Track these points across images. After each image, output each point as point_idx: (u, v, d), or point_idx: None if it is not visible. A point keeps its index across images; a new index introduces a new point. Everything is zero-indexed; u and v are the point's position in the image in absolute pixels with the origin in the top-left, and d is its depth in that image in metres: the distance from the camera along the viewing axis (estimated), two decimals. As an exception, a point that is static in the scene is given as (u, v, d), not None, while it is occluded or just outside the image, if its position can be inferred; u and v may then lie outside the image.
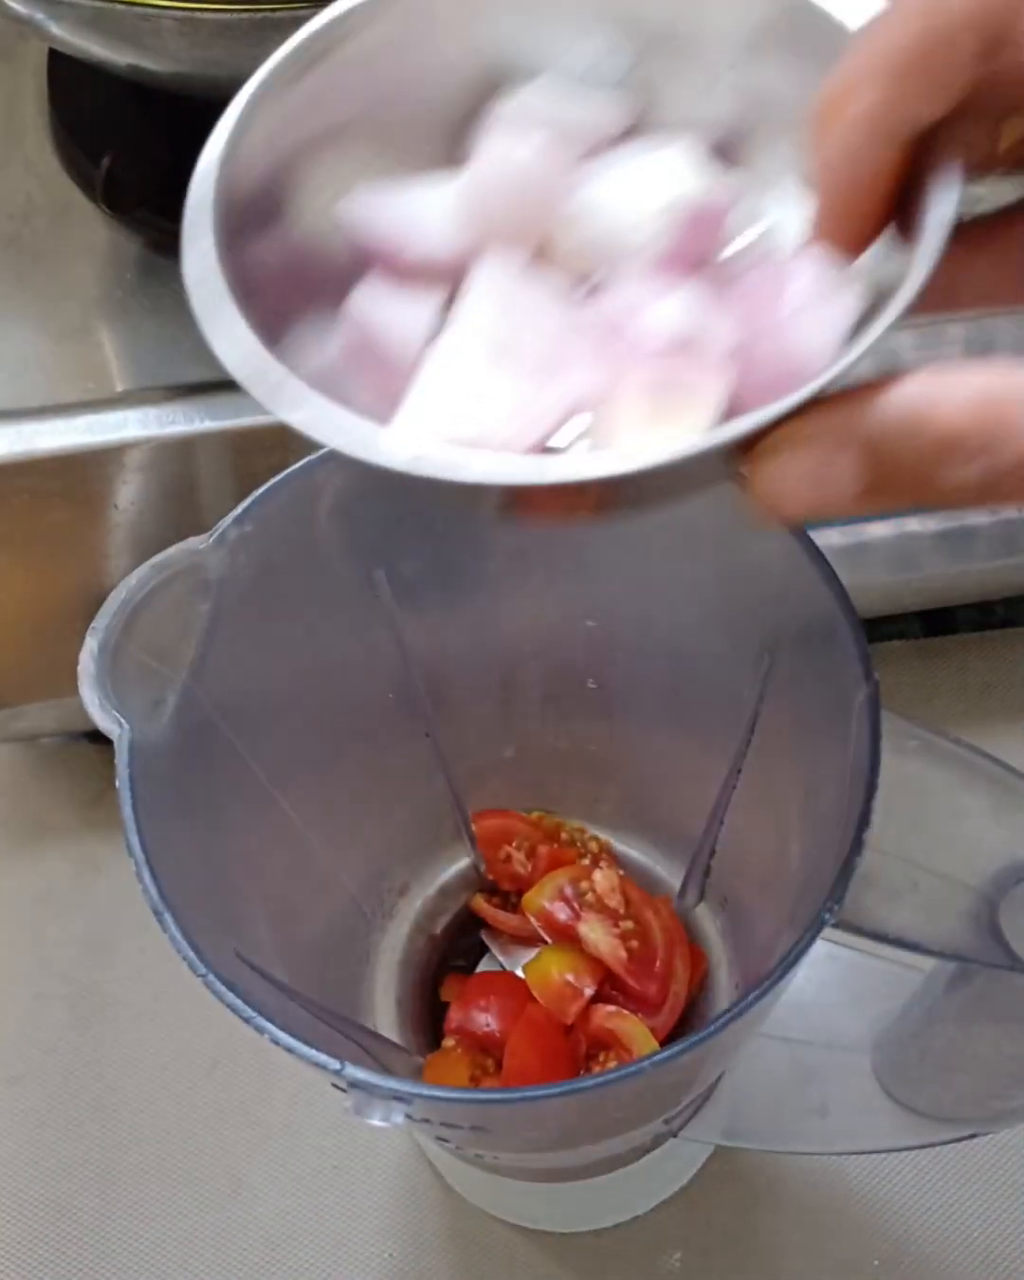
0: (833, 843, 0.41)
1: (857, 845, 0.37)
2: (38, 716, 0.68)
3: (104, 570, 0.63)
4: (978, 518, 0.65)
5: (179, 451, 0.61)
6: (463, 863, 0.61)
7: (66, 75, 0.70)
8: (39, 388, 0.62)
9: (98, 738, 0.75)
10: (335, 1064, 0.36)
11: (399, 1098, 0.36)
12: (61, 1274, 0.64)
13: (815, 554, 0.41)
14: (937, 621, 0.78)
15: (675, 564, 0.48)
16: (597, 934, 0.57)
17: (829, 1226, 0.63)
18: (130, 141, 0.67)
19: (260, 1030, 0.37)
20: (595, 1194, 0.61)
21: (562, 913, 0.58)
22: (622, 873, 0.59)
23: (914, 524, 0.65)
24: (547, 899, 0.58)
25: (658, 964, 0.57)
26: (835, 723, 0.41)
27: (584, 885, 0.58)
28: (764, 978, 0.37)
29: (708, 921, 0.60)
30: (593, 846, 0.61)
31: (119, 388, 0.62)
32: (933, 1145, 0.53)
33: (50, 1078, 0.69)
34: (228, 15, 0.52)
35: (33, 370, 0.63)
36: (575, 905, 0.58)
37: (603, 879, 0.59)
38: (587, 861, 0.60)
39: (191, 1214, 0.65)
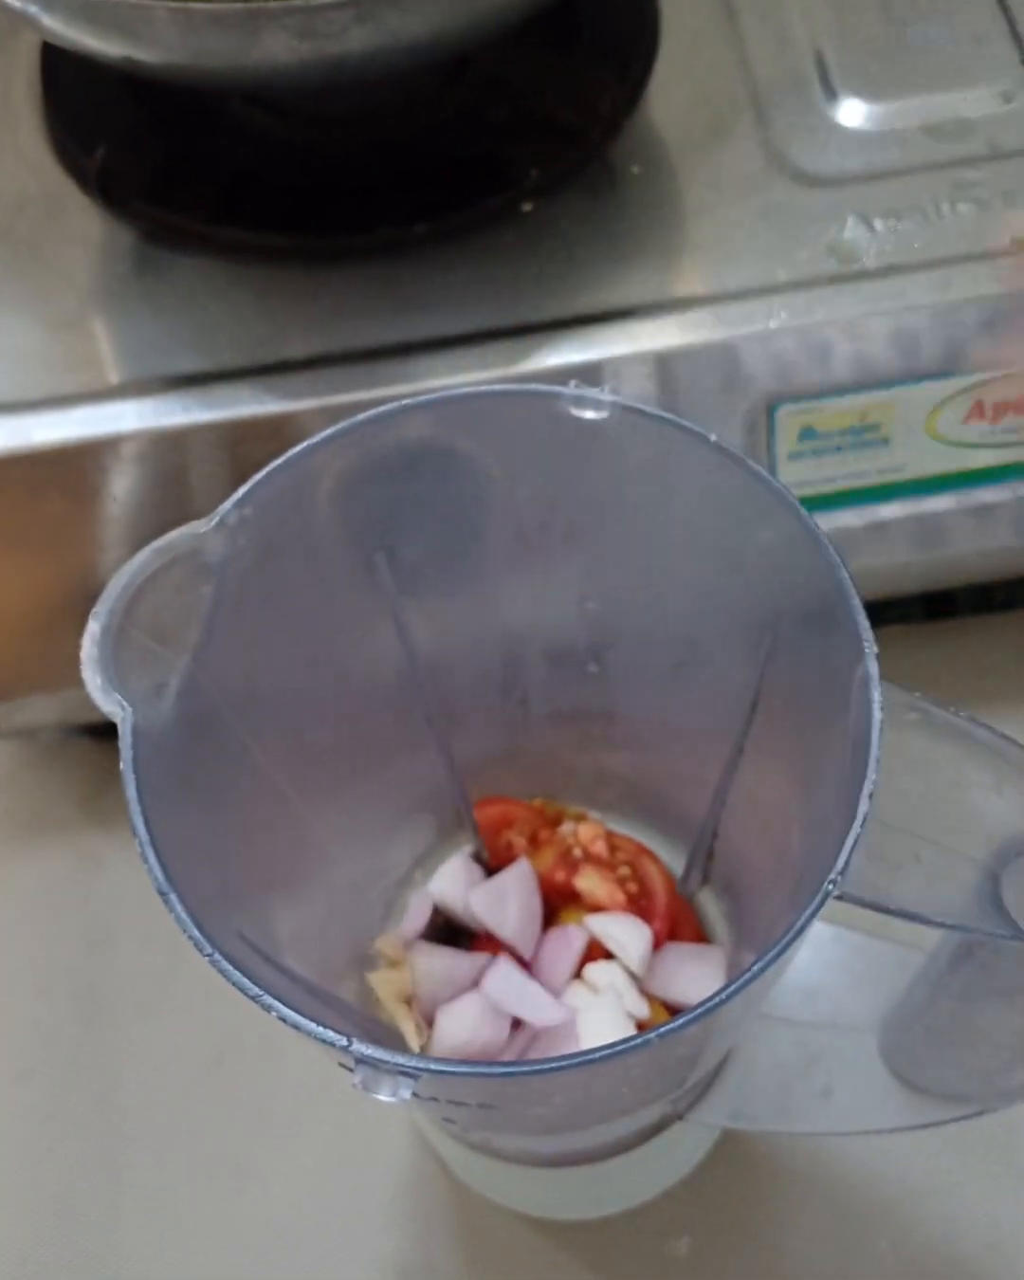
0: (835, 820, 0.41)
1: (856, 812, 0.37)
2: (37, 710, 0.68)
3: (102, 562, 0.63)
4: (994, 496, 0.66)
5: (176, 443, 0.61)
6: (465, 849, 0.61)
7: (59, 66, 0.71)
8: (34, 380, 0.62)
9: (97, 732, 0.76)
10: (342, 1040, 0.36)
11: (406, 1073, 0.36)
12: (68, 1268, 0.64)
13: (816, 534, 0.41)
14: (937, 604, 0.78)
15: (675, 545, 0.48)
16: (591, 882, 0.58)
17: (837, 1209, 0.63)
18: (125, 133, 0.67)
19: (267, 1007, 0.37)
20: (602, 1180, 0.61)
21: (561, 874, 0.59)
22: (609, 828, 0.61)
23: (929, 503, 0.65)
24: (546, 865, 0.59)
25: (656, 902, 0.58)
26: (836, 701, 0.41)
27: (572, 843, 0.59)
28: (769, 947, 0.37)
29: (711, 905, 0.60)
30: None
31: (115, 379, 0.62)
32: (939, 1124, 0.53)
33: (54, 1073, 0.69)
34: (218, 6, 0.52)
35: (28, 362, 0.63)
36: (571, 861, 0.59)
37: (585, 829, 0.60)
38: (569, 825, 0.61)
39: (197, 1207, 0.65)
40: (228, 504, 0.43)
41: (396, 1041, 0.55)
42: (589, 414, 0.44)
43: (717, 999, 0.36)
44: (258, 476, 0.43)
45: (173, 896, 0.38)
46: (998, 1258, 0.62)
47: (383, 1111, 0.64)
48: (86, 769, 0.76)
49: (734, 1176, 0.64)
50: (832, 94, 0.67)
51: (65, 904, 0.73)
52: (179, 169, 0.67)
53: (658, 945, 0.57)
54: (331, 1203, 0.65)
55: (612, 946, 0.57)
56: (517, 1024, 0.56)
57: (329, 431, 0.45)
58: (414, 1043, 0.55)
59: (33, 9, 0.56)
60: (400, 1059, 0.36)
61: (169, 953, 0.71)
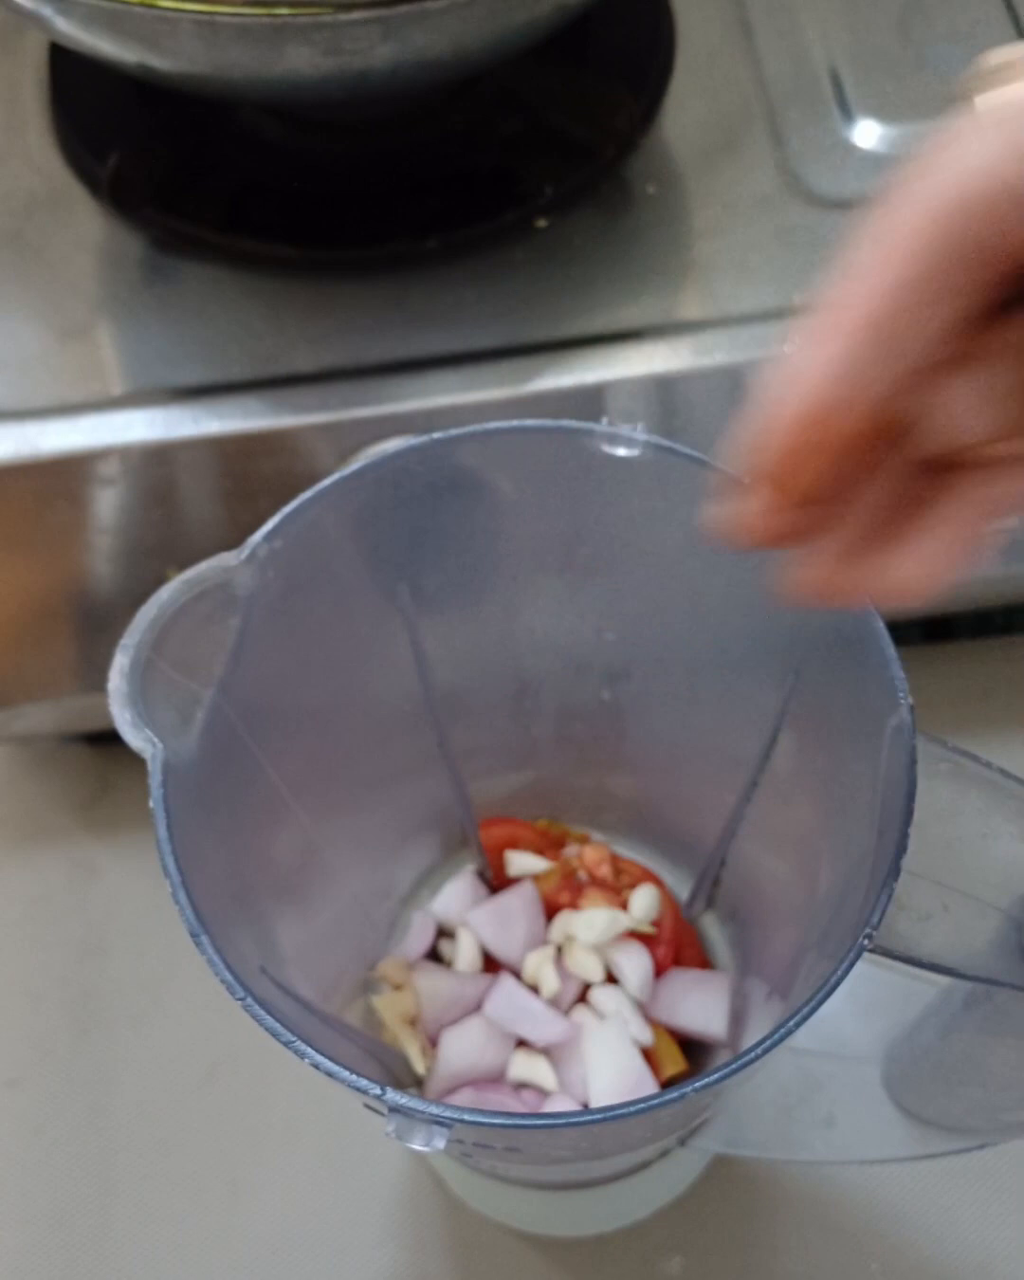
0: (860, 863, 0.41)
1: (893, 872, 0.38)
2: (36, 717, 0.68)
3: (105, 572, 0.63)
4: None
5: (182, 454, 0.60)
6: (469, 868, 0.61)
7: (69, 69, 0.70)
8: (41, 388, 0.62)
9: (94, 739, 0.75)
10: (376, 1089, 0.36)
11: (440, 1122, 0.36)
12: (58, 1279, 0.64)
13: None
14: (936, 628, 0.78)
15: (699, 581, 0.48)
16: (596, 905, 0.58)
17: (828, 1231, 0.63)
18: (136, 138, 0.67)
19: (300, 1055, 0.36)
20: (597, 1199, 0.62)
21: (565, 896, 0.59)
22: (615, 852, 0.61)
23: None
24: (550, 887, 0.59)
25: (660, 927, 0.58)
26: (864, 743, 0.41)
27: (577, 866, 0.59)
28: (801, 1005, 0.37)
29: (714, 930, 0.60)
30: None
31: (122, 389, 0.62)
32: (942, 1155, 0.53)
33: (48, 1082, 0.68)
34: (245, 19, 0.52)
35: (35, 370, 0.62)
36: (575, 883, 0.59)
37: (591, 852, 0.60)
38: (573, 847, 0.61)
39: (190, 1219, 0.65)
40: (258, 537, 0.43)
41: (401, 1063, 0.55)
42: (621, 451, 0.44)
43: (753, 1054, 0.36)
44: (287, 509, 0.43)
45: (205, 939, 0.38)
46: (987, 1278, 0.62)
47: (377, 1125, 0.64)
48: (83, 776, 0.76)
49: (726, 1197, 0.64)
50: (848, 114, 0.67)
51: (60, 912, 0.73)
52: (190, 177, 0.66)
53: (661, 971, 0.57)
54: (326, 1216, 0.65)
55: (613, 971, 0.57)
56: (520, 1043, 0.56)
57: (357, 465, 0.44)
58: (419, 1064, 0.55)
59: (47, 12, 0.56)
60: (434, 1109, 0.36)
61: (164, 962, 0.70)
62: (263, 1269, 0.64)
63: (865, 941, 0.37)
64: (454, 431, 0.45)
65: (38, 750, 0.77)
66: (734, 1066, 0.37)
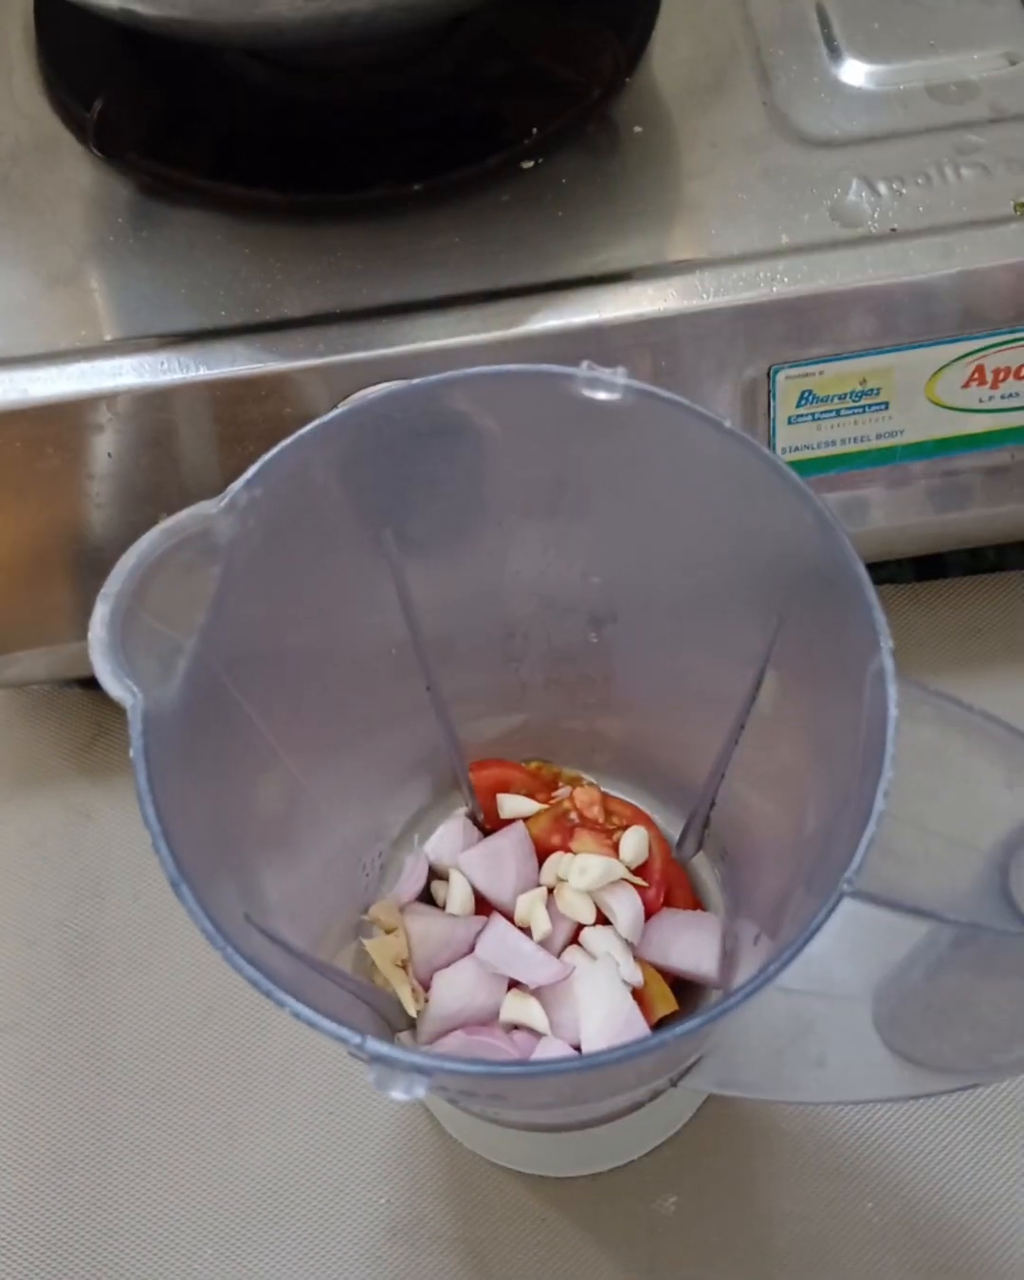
0: (845, 805, 0.41)
1: (873, 816, 0.38)
2: (29, 664, 0.68)
3: (96, 519, 0.63)
4: (990, 461, 0.66)
5: (171, 399, 0.60)
6: (461, 811, 0.61)
7: (54, 14, 0.69)
8: (30, 335, 0.62)
9: (89, 683, 0.75)
10: (356, 1039, 0.36)
11: (420, 1070, 0.36)
12: (56, 1222, 0.65)
13: (833, 524, 0.41)
14: (927, 566, 0.78)
15: (684, 523, 0.48)
16: (587, 847, 0.58)
17: (822, 1170, 0.64)
18: (122, 83, 0.66)
19: (280, 1004, 0.37)
20: (592, 1139, 0.62)
21: (556, 838, 0.59)
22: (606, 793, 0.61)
23: (926, 467, 0.66)
24: (541, 829, 0.59)
25: (651, 868, 0.58)
26: (849, 685, 0.41)
27: (568, 807, 0.59)
28: (784, 948, 0.38)
29: (705, 871, 0.60)
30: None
31: (110, 335, 0.61)
32: (932, 1096, 0.54)
33: (44, 1026, 0.69)
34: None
35: (24, 317, 0.62)
36: (566, 825, 0.59)
37: (582, 794, 0.60)
38: (565, 789, 0.61)
39: (187, 1161, 0.65)
40: (237, 485, 0.43)
41: (394, 1007, 0.56)
42: (602, 395, 0.44)
43: (732, 1000, 0.37)
44: (267, 456, 0.43)
45: (185, 888, 0.38)
46: (982, 1218, 0.63)
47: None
48: (78, 720, 0.76)
49: (721, 1136, 0.65)
50: (835, 53, 0.66)
51: (55, 856, 0.73)
52: (176, 122, 0.66)
53: (652, 911, 0.58)
54: (321, 1158, 0.65)
55: (604, 912, 0.57)
56: (513, 985, 0.57)
57: (339, 411, 0.44)
58: (411, 1007, 0.55)
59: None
60: (415, 1058, 0.36)
61: (159, 906, 0.71)
62: (259, 1209, 0.64)
63: (846, 886, 0.37)
64: (435, 377, 0.45)
65: (33, 694, 0.77)
66: (714, 1012, 0.37)
